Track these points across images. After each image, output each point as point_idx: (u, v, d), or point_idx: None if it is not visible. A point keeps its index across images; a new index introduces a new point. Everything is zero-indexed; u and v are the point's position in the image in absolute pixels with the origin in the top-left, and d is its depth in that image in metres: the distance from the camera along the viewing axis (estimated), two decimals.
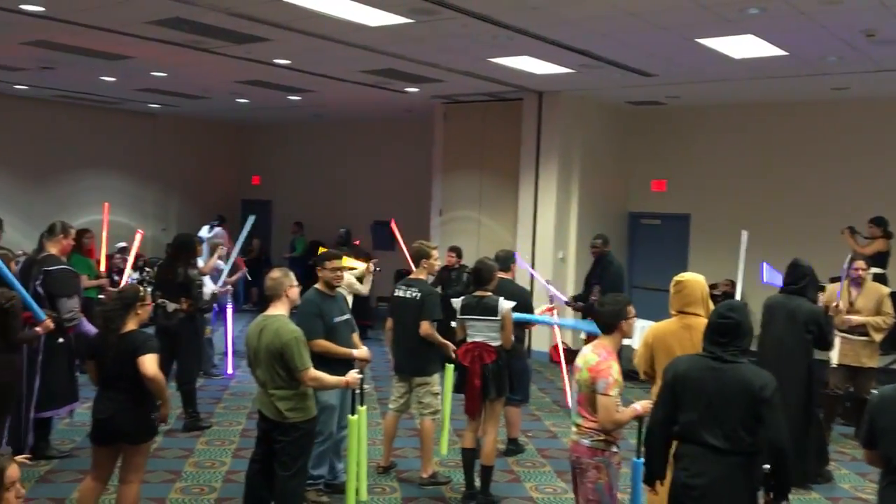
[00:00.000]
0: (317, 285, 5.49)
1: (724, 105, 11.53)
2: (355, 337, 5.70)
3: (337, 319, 5.43)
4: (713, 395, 3.54)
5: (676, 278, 4.79)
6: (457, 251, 10.25)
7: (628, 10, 6.74)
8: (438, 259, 6.25)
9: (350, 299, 8.05)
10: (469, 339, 5.71)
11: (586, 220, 11.53)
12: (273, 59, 9.52)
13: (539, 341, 10.98)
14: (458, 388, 5.76)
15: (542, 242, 11.31)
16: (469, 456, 5.71)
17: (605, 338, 4.15)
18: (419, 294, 5.95)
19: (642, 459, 3.98)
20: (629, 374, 5.09)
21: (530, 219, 11.42)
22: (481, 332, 5.65)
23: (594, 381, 3.96)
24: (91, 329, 6.20)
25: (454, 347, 5.98)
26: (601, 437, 4.01)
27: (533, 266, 11.21)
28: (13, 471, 2.81)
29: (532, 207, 11.38)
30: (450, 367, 5.89)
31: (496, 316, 5.59)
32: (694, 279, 4.74)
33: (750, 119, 11.46)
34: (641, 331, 9.39)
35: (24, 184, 14.31)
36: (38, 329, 5.54)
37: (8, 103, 13.90)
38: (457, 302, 5.85)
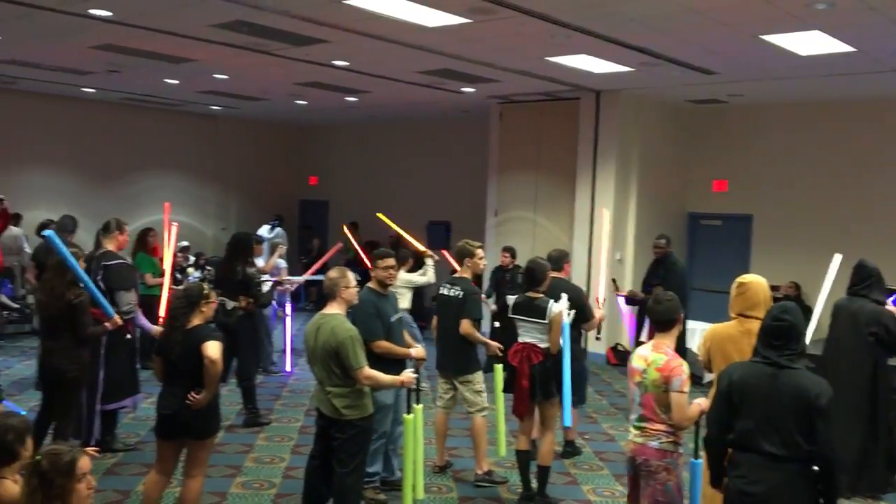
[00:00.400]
0: (370, 284, 5.50)
1: (789, 103, 11.23)
2: (407, 335, 5.72)
3: (393, 318, 5.46)
4: (769, 402, 3.47)
5: (739, 280, 4.70)
6: (511, 251, 10.21)
7: (691, 7, 6.61)
8: (483, 258, 6.24)
9: (409, 297, 8.10)
10: (519, 340, 5.69)
11: (645, 221, 11.37)
12: (331, 61, 9.62)
13: (596, 343, 10.85)
14: (507, 388, 5.76)
15: (600, 243, 11.15)
16: (524, 458, 5.68)
17: (663, 336, 4.13)
18: (462, 293, 5.96)
19: (701, 460, 3.99)
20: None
21: (587, 219, 11.31)
22: (530, 333, 5.62)
23: (668, 380, 3.95)
24: (147, 324, 6.39)
25: (498, 345, 6.00)
26: (670, 439, 4.01)
27: (589, 268, 11.11)
28: (84, 462, 2.88)
29: (589, 208, 11.27)
30: (498, 367, 5.90)
31: (545, 318, 5.54)
32: (757, 281, 4.65)
33: (815, 117, 11.14)
34: (700, 333, 9.27)
35: (91, 184, 14.76)
36: (107, 325, 5.71)
37: (77, 106, 14.37)
38: (511, 299, 5.84)
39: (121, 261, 6.35)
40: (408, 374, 4.85)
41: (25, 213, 12.88)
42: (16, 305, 11.10)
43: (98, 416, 6.21)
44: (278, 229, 14.86)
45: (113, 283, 6.14)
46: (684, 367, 3.96)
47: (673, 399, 3.93)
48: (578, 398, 6.82)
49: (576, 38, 7.77)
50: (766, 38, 7.48)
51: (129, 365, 6.39)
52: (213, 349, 4.47)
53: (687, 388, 3.94)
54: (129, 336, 6.22)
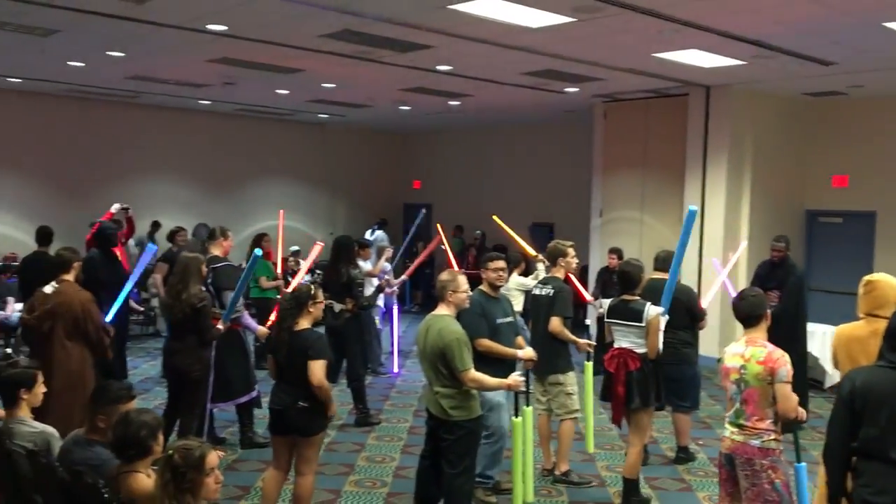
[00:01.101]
0: (481, 286, 5.54)
1: None
2: (520, 339, 5.70)
3: (500, 320, 5.44)
4: (895, 408, 3.29)
5: (867, 278, 4.51)
6: (618, 253, 10.05)
7: None
8: (575, 257, 6.20)
9: (521, 300, 8.10)
10: (615, 344, 5.58)
11: (759, 220, 10.94)
12: (435, 66, 9.73)
13: (708, 346, 10.52)
14: (604, 396, 5.69)
15: (710, 244, 10.83)
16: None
17: (753, 330, 4.08)
18: (552, 291, 5.92)
19: (804, 464, 3.99)
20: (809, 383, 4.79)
21: (697, 219, 10.98)
22: (626, 338, 5.51)
23: (773, 372, 3.91)
24: (252, 324, 6.64)
25: (587, 342, 5.99)
26: (772, 437, 3.96)
27: (700, 267, 10.79)
28: (213, 458, 3.02)
29: (699, 207, 10.95)
30: (588, 364, 5.94)
31: (641, 322, 5.41)
32: (886, 280, 4.47)
33: None
34: (821, 336, 8.85)
35: (208, 192, 15.46)
36: (219, 326, 5.97)
37: (193, 117, 15.08)
38: (606, 303, 5.76)
39: (227, 263, 6.72)
40: (515, 378, 4.84)
41: (148, 220, 13.65)
42: (141, 308, 11.73)
43: (209, 414, 6.44)
44: (378, 233, 15.13)
45: (221, 284, 6.46)
46: (787, 358, 3.94)
47: (779, 390, 3.90)
48: (692, 403, 6.66)
49: (685, 32, 7.57)
50: (890, 25, 7.08)
51: (240, 364, 6.59)
52: (317, 373, 4.57)
53: (790, 379, 3.91)
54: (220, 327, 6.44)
